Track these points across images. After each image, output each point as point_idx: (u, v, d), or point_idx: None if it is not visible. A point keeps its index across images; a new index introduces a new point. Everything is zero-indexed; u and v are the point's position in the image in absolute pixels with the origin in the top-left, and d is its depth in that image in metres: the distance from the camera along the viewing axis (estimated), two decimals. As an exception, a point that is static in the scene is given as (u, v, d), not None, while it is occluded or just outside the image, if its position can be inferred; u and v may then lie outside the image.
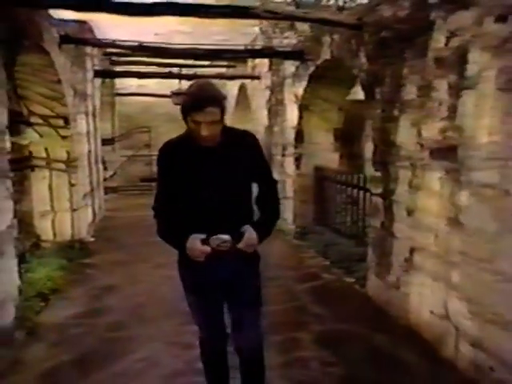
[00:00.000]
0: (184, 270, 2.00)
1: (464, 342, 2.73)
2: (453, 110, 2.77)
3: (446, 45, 2.80)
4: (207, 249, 1.78)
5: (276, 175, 6.63)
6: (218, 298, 2.02)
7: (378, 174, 3.78)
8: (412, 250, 3.31)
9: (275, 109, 6.87)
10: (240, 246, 1.82)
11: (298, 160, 6.17)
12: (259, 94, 7.74)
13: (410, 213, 3.31)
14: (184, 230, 1.84)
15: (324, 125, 6.09)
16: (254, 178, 1.98)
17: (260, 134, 7.79)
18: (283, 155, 6.56)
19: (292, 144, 6.18)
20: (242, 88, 9.18)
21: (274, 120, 6.94)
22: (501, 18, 2.35)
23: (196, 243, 1.79)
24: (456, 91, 2.73)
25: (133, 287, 4.26)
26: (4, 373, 2.68)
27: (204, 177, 1.85)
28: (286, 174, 6.44)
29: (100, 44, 5.38)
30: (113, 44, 5.19)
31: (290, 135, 6.21)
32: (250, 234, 1.84)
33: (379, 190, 3.77)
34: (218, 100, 1.76)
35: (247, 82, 8.54)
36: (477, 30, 2.53)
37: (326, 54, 4.81)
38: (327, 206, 6.05)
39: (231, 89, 10.26)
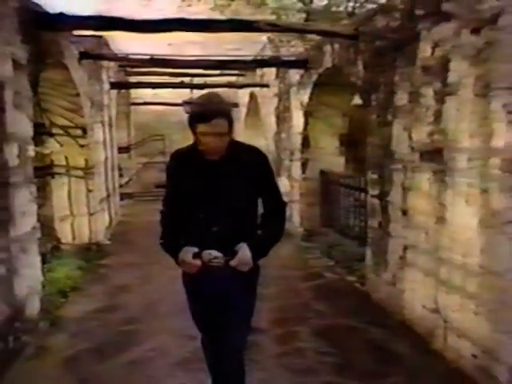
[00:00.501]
0: (186, 280, 1.99)
1: (452, 334, 2.89)
2: (438, 115, 2.96)
3: (432, 54, 3.00)
4: (197, 263, 1.78)
5: (284, 179, 6.96)
6: (215, 308, 1.95)
7: (375, 176, 3.97)
8: (405, 248, 3.48)
9: (283, 115, 7.11)
10: (232, 264, 1.80)
11: (304, 165, 6.38)
12: (268, 101, 8.00)
13: (403, 213, 3.49)
14: (181, 241, 1.86)
15: (329, 130, 6.30)
16: (260, 196, 1.95)
17: (269, 140, 8.05)
18: (291, 160, 6.78)
19: (299, 149, 6.40)
20: (253, 95, 9.44)
21: (282, 126, 7.17)
22: (475, 31, 2.54)
23: (187, 256, 1.80)
24: (440, 97, 2.92)
25: (145, 286, 4.54)
26: (31, 357, 2.98)
27: (206, 190, 1.84)
28: (293, 178, 6.66)
29: (115, 58, 5.73)
30: (126, 58, 5.52)
31: (297, 141, 6.43)
32: (243, 253, 1.81)
33: (376, 192, 3.96)
34: (225, 112, 1.77)
35: (257, 89, 8.80)
36: (456, 41, 2.73)
37: (327, 63, 5.03)
38: (333, 208, 6.23)
39: (242, 96, 10.57)
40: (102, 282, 4.70)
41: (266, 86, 7.84)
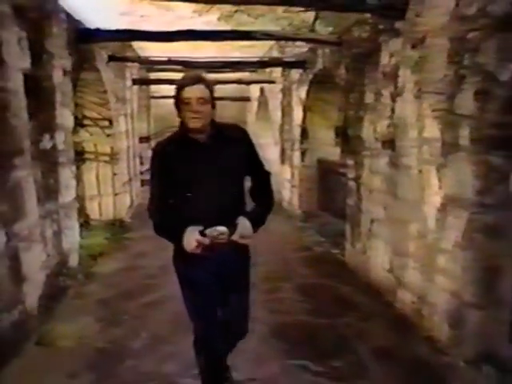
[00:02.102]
0: (179, 265, 2.03)
1: (400, 288, 3.65)
2: (392, 112, 3.69)
3: (388, 62, 3.72)
4: (205, 240, 1.80)
5: (287, 167, 7.72)
6: (211, 294, 2.01)
7: (352, 162, 4.71)
8: (372, 222, 4.23)
9: (286, 110, 7.85)
10: (234, 237, 1.84)
11: (303, 154, 7.13)
12: (274, 96, 8.75)
13: (370, 191, 4.24)
14: (180, 223, 1.87)
15: (326, 123, 7.01)
16: (246, 171, 2.03)
17: (275, 131, 8.81)
18: (292, 150, 7.53)
19: (298, 140, 7.15)
20: (263, 90, 10.20)
21: (285, 119, 7.92)
22: (413, 46, 3.26)
23: (194, 235, 1.81)
24: (393, 97, 3.65)
25: (160, 253, 5.28)
26: (73, 297, 3.89)
27: (196, 171, 1.89)
28: (294, 166, 7.42)
29: (137, 60, 6.60)
30: (147, 60, 6.37)
31: (297, 132, 7.17)
32: (243, 224, 1.87)
33: (353, 175, 4.71)
34: (206, 82, 1.87)
35: (265, 85, 9.54)
36: (403, 53, 3.45)
37: (319, 64, 5.76)
38: (329, 193, 6.97)
39: (254, 91, 11.33)
40: (125, 249, 5.61)
41: (273, 82, 8.57)
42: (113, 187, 6.66)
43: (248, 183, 2.10)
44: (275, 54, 8.23)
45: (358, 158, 4.49)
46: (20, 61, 2.79)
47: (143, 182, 10.17)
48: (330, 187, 6.95)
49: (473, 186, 2.69)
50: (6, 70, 2.57)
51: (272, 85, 8.81)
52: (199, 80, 1.85)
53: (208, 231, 1.81)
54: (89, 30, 4.17)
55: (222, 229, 1.82)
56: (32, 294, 3.04)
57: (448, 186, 2.94)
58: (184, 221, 1.87)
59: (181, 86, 1.85)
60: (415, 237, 3.38)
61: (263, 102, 10.50)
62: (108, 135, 6.42)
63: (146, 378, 2.68)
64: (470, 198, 2.72)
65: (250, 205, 2.09)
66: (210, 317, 2.06)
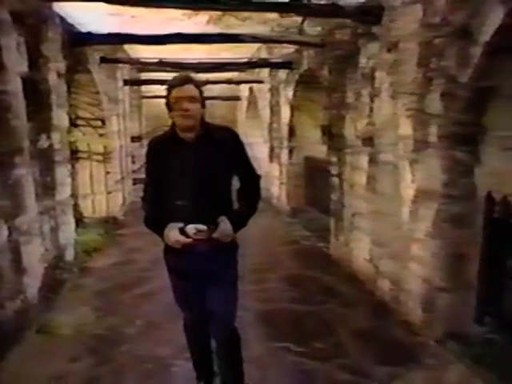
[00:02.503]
0: (168, 257, 2.11)
1: (379, 276, 3.89)
2: (371, 111, 3.93)
3: (366, 64, 3.96)
4: (182, 237, 1.88)
5: (275, 164, 7.94)
6: (197, 284, 2.08)
7: (335, 159, 4.95)
8: (353, 215, 4.47)
9: (274, 109, 8.07)
10: (215, 235, 1.91)
11: (291, 151, 7.35)
12: (263, 95, 8.96)
13: (351, 187, 4.48)
14: (165, 219, 1.94)
15: (312, 122, 7.23)
16: (235, 172, 2.08)
17: (264, 130, 9.02)
18: (280, 148, 7.75)
19: (286, 138, 7.37)
20: (252, 90, 10.40)
21: (274, 118, 8.14)
22: (389, 50, 3.49)
23: (173, 231, 1.89)
24: (372, 97, 3.88)
25: (152, 248, 5.43)
26: (70, 289, 4.08)
27: (181, 169, 1.95)
28: (282, 163, 7.65)
29: (129, 61, 6.76)
30: (138, 62, 6.54)
31: (285, 131, 7.39)
32: (224, 224, 1.93)
33: (336, 172, 4.94)
34: (196, 82, 1.94)
35: (255, 84, 9.74)
36: (379, 56, 3.69)
37: (305, 65, 5.98)
38: (316, 189, 7.20)
39: (243, 90, 11.53)
40: (119, 245, 5.79)
41: (261, 81, 8.78)
42: (106, 185, 6.83)
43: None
44: (264, 54, 8.44)
45: (341, 155, 4.73)
46: (18, 65, 2.97)
47: (135, 181, 10.34)
48: (316, 184, 7.18)
49: (440, 179, 2.94)
50: (5, 74, 2.76)
51: (261, 84, 9.02)
52: (189, 80, 1.92)
53: (187, 228, 1.88)
54: (82, 33, 4.34)
55: (201, 227, 1.88)
56: (32, 285, 3.23)
57: (420, 180, 3.19)
58: (168, 216, 1.94)
59: (171, 86, 1.93)
60: (392, 228, 3.62)
61: (253, 101, 10.70)
62: (101, 135, 6.58)
63: (141, 361, 2.88)
64: (439, 191, 2.97)
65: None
66: (194, 307, 2.17)
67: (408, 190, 3.33)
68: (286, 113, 7.28)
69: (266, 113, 8.84)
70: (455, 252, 2.99)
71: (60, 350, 3.01)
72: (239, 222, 2.02)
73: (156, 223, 2.01)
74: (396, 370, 2.75)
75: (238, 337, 2.23)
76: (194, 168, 1.95)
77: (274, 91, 7.93)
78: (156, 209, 2.02)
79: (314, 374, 2.72)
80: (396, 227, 3.55)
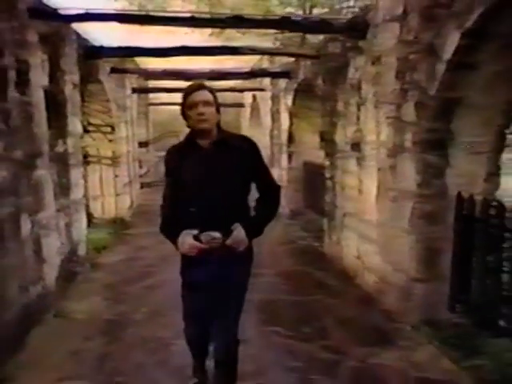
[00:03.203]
0: (184, 267, 2.13)
1: (366, 271, 4.22)
2: (358, 119, 4.28)
3: (354, 76, 4.32)
4: (198, 244, 1.90)
5: (276, 169, 8.30)
6: (209, 296, 2.08)
7: (328, 163, 5.30)
8: (344, 215, 4.81)
9: (275, 115, 8.44)
10: (228, 242, 1.92)
11: (290, 156, 7.71)
12: (265, 103, 9.34)
13: (342, 188, 4.82)
14: (181, 226, 1.96)
15: (311, 128, 7.58)
16: (252, 181, 2.09)
17: (266, 136, 9.39)
18: (280, 153, 8.12)
19: (285, 144, 7.73)
20: (255, 97, 10.80)
21: (274, 124, 8.51)
22: (373, 63, 3.85)
23: (188, 239, 1.92)
24: (359, 106, 4.24)
25: (158, 246, 5.90)
26: (82, 282, 4.46)
27: (197, 176, 1.98)
28: (282, 168, 8.00)
29: (136, 72, 7.19)
30: (145, 72, 6.97)
31: (284, 137, 7.76)
32: (238, 232, 1.94)
33: (329, 175, 5.29)
34: (210, 88, 2.03)
35: (257, 92, 10.14)
36: (365, 68, 4.04)
37: (302, 75, 6.35)
38: (313, 192, 7.53)
39: (247, 97, 11.95)
40: (126, 243, 6.17)
41: (263, 89, 9.17)
42: (114, 188, 7.23)
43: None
44: (266, 63, 8.83)
45: (333, 160, 5.08)
46: (41, 79, 3.37)
47: (142, 185, 10.76)
48: (314, 187, 7.51)
49: (415, 180, 3.28)
50: (30, 88, 3.15)
51: (263, 92, 9.41)
52: (203, 86, 2.02)
53: (202, 236, 1.90)
54: (95, 47, 4.75)
55: (215, 234, 1.90)
56: (50, 274, 3.61)
57: (398, 181, 3.53)
58: (184, 223, 1.96)
59: (187, 93, 2.00)
60: (375, 226, 3.96)
61: (256, 108, 11.10)
62: (110, 140, 7.00)
63: (146, 341, 3.23)
64: (414, 191, 3.31)
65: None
66: (201, 320, 2.18)
67: (388, 191, 3.67)
68: (285, 119, 7.64)
69: (267, 119, 9.21)
70: (429, 246, 3.32)
71: (75, 331, 3.38)
72: (254, 230, 2.02)
73: (171, 230, 2.02)
74: (373, 350, 3.07)
75: (237, 343, 2.24)
76: (210, 175, 1.98)
77: (275, 99, 8.30)
78: (172, 216, 2.06)
79: (298, 353, 3.05)
80: (379, 225, 3.88)
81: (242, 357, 2.66)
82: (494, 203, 2.95)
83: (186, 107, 2.00)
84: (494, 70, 2.85)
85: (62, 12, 3.29)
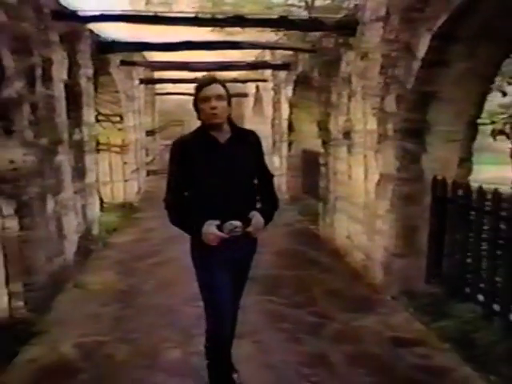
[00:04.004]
0: (197, 252, 2.16)
1: (354, 249, 4.62)
2: (348, 109, 4.64)
3: (345, 70, 4.67)
4: (223, 234, 1.98)
5: (276, 157, 8.68)
6: (226, 278, 2.15)
7: (323, 150, 5.67)
8: (336, 199, 5.20)
9: (276, 105, 8.79)
10: (249, 229, 2.04)
11: (289, 145, 8.08)
12: (267, 93, 9.68)
13: (334, 174, 5.20)
14: (198, 216, 2.03)
15: (309, 118, 7.92)
16: (256, 172, 2.21)
17: (267, 125, 9.74)
18: (280, 141, 8.49)
19: (285, 133, 8.10)
20: (258, 88, 11.12)
21: (275, 114, 8.87)
22: (361, 58, 4.20)
23: (212, 229, 1.98)
24: (349, 98, 4.60)
25: (165, 229, 6.24)
26: (95, 258, 4.91)
27: (214, 168, 2.05)
28: (282, 155, 8.38)
29: (144, 64, 7.56)
30: (152, 64, 7.34)
31: (284, 126, 8.12)
32: (257, 219, 2.07)
33: (324, 161, 5.67)
34: (222, 82, 2.08)
35: (260, 83, 10.46)
36: (354, 63, 4.39)
37: (300, 68, 6.69)
38: (311, 179, 7.91)
39: (250, 88, 12.26)
40: (135, 226, 6.61)
41: (265, 80, 9.50)
42: (123, 174, 7.65)
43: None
44: (267, 55, 9.14)
45: (327, 147, 5.45)
46: (61, 74, 3.76)
47: (149, 172, 11.18)
48: (312, 174, 7.85)
49: (395, 165, 3.66)
50: (53, 82, 3.54)
51: (265, 83, 9.74)
52: (215, 80, 2.06)
53: (224, 225, 1.99)
54: (106, 42, 5.13)
55: (237, 223, 2.00)
56: (69, 249, 4.05)
57: (381, 166, 3.91)
58: (200, 214, 2.02)
59: (200, 86, 2.05)
60: (362, 207, 4.35)
61: (259, 98, 11.42)
62: (119, 129, 7.40)
63: (155, 307, 3.68)
64: (394, 174, 3.69)
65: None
66: (225, 310, 2.19)
67: (373, 175, 4.05)
68: (285, 109, 8.00)
69: (269, 109, 9.56)
70: (408, 225, 3.71)
71: (93, 298, 3.83)
72: (268, 217, 2.17)
73: (186, 221, 2.09)
74: (355, 315, 3.49)
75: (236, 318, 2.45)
76: (228, 167, 2.06)
77: (276, 90, 8.64)
78: (185, 207, 2.08)
79: (289, 317, 3.47)
80: (365, 206, 4.28)
81: (241, 320, 3.07)
82: (463, 185, 3.33)
83: (199, 100, 2.05)
84: (463, 67, 3.20)
85: (80, 14, 3.66)
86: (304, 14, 10.66)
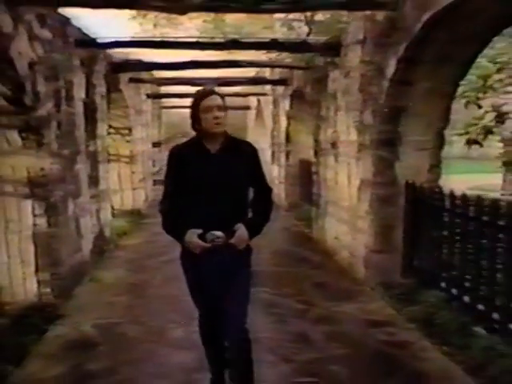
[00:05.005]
0: (185, 260, 2.23)
1: (341, 248, 5.10)
2: (335, 122, 5.16)
3: (332, 86, 5.20)
4: (202, 243, 2.00)
5: (275, 166, 9.20)
6: (213, 284, 2.16)
7: (315, 159, 6.19)
8: (326, 203, 5.69)
9: (275, 118, 9.34)
10: (232, 241, 2.03)
11: (287, 155, 8.61)
12: (267, 106, 10.25)
13: (324, 181, 5.71)
14: (184, 225, 2.05)
15: (305, 130, 8.44)
16: (251, 184, 2.20)
17: (268, 137, 10.29)
18: (279, 152, 9.02)
19: (283, 143, 8.63)
20: (259, 101, 11.71)
21: (275, 126, 9.42)
22: (345, 76, 4.72)
23: (193, 237, 2.01)
24: (335, 111, 5.12)
25: None
26: (108, 257, 5.43)
27: (202, 177, 2.06)
28: (281, 165, 8.91)
29: (151, 81, 8.18)
30: (158, 80, 7.95)
31: (283, 137, 8.66)
32: (241, 231, 2.06)
33: (315, 170, 6.18)
34: (219, 93, 2.13)
35: (261, 96, 11.04)
36: (339, 80, 4.93)
37: (295, 83, 7.24)
38: (308, 186, 8.39)
39: (252, 101, 12.87)
40: (143, 230, 7.14)
41: (265, 94, 10.07)
42: (131, 183, 8.22)
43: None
44: (267, 71, 9.72)
45: (318, 156, 5.97)
46: (80, 94, 4.33)
47: (155, 182, 11.75)
48: (308, 182, 8.33)
49: (371, 171, 4.15)
50: (73, 101, 4.11)
51: (266, 96, 10.31)
52: (214, 92, 2.12)
53: (207, 235, 2.01)
54: (119, 63, 5.72)
55: (219, 233, 2.01)
56: (86, 247, 4.57)
57: (361, 173, 4.41)
58: (187, 222, 2.05)
59: (200, 97, 2.08)
60: (347, 210, 4.84)
61: (260, 110, 12.01)
62: (127, 141, 7.98)
63: (162, 297, 4.17)
64: (371, 179, 4.18)
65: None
66: (210, 308, 2.29)
67: (355, 181, 4.55)
68: (283, 122, 8.54)
69: (269, 121, 10.12)
70: (385, 224, 4.19)
71: (107, 290, 4.34)
72: (254, 230, 2.15)
73: (175, 228, 2.14)
74: (337, 303, 3.96)
75: (248, 339, 2.22)
76: (219, 177, 2.07)
77: (275, 103, 9.20)
78: (175, 214, 2.12)
79: (279, 305, 3.96)
80: (350, 209, 4.77)
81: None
82: (436, 189, 3.81)
83: (201, 111, 2.06)
84: (427, 86, 3.72)
85: (99, 41, 4.25)
86: (304, 29, 11.26)
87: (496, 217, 3.01)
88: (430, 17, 3.03)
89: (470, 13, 2.90)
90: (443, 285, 3.60)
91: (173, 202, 2.14)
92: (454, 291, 3.43)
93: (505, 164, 7.49)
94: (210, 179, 2.07)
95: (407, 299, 3.79)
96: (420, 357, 2.97)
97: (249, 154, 2.20)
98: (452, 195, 3.54)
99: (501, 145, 7.63)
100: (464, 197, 3.41)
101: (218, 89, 2.24)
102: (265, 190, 2.26)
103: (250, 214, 2.22)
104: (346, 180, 4.80)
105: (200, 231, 2.02)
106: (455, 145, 7.00)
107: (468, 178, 11.77)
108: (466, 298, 3.29)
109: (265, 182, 2.28)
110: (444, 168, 4.34)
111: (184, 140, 2.24)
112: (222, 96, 2.14)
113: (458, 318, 3.16)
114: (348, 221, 4.84)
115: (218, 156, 2.11)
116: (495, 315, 2.98)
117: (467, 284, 3.32)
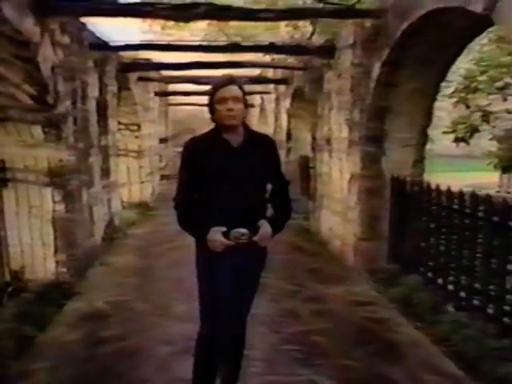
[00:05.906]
0: (202, 257, 2.10)
1: (334, 238, 5.46)
2: (329, 120, 5.51)
3: (327, 86, 5.55)
4: (228, 242, 1.92)
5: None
6: (228, 283, 2.06)
7: (312, 155, 6.54)
8: (321, 196, 6.05)
9: (277, 116, 9.70)
10: (256, 238, 1.98)
11: (288, 151, 8.97)
12: (270, 104, 10.60)
13: (320, 175, 6.07)
14: (205, 221, 1.97)
15: (305, 127, 8.78)
16: (270, 178, 2.14)
17: (269, 134, 10.65)
18: (280, 148, 9.35)
19: (284, 140, 8.99)
20: (263, 99, 12.06)
21: (276, 123, 9.77)
22: (338, 77, 5.08)
23: (217, 236, 1.93)
24: (329, 110, 5.47)
25: (176, 224, 7.32)
26: (117, 245, 5.83)
27: (225, 172, 1.98)
28: (282, 161, 9.25)
29: (158, 79, 8.57)
30: (165, 79, 8.35)
31: (283, 134, 9.01)
32: (265, 228, 2.02)
33: (313, 165, 6.53)
34: (239, 83, 2.01)
35: (264, 94, 11.38)
36: (333, 81, 5.27)
37: (296, 83, 7.59)
38: (307, 181, 8.74)
39: (256, 98, 13.22)
40: (150, 221, 7.56)
41: (268, 93, 10.42)
42: (139, 177, 8.63)
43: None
44: (270, 70, 10.06)
45: (315, 152, 6.32)
46: (94, 92, 4.73)
47: (162, 177, 12.17)
48: (307, 177, 8.67)
49: (360, 165, 4.51)
50: (88, 99, 4.52)
51: (269, 95, 10.66)
52: (232, 81, 2.00)
53: (231, 233, 1.94)
54: (128, 63, 6.12)
55: (244, 231, 1.95)
56: (98, 233, 4.99)
57: (351, 167, 4.76)
58: (208, 218, 1.98)
59: (216, 87, 1.99)
60: (339, 202, 5.20)
61: (263, 108, 12.36)
62: (136, 137, 8.39)
63: (168, 279, 4.57)
64: (359, 173, 4.54)
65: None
66: (225, 315, 2.10)
67: (346, 174, 4.91)
68: (284, 119, 8.90)
69: (271, 119, 10.47)
70: (372, 214, 4.55)
71: (117, 272, 4.75)
72: (278, 226, 2.12)
73: (194, 225, 2.06)
74: (326, 286, 4.33)
75: (244, 332, 2.30)
76: (240, 171, 2.00)
77: (278, 101, 9.55)
78: (193, 210, 2.04)
79: (274, 287, 4.31)
80: (341, 201, 5.12)
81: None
82: (416, 182, 4.15)
83: (215, 102, 1.99)
84: (410, 87, 4.06)
85: (111, 44, 4.64)
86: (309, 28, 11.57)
87: (463, 207, 3.37)
88: (408, 25, 3.37)
89: (442, 23, 3.24)
90: (422, 269, 3.95)
91: (189, 197, 2.06)
92: (430, 275, 3.78)
93: (500, 161, 7.77)
94: (233, 174, 2.00)
95: (390, 283, 4.15)
96: (395, 330, 3.34)
97: (270, 147, 2.15)
98: (429, 188, 3.88)
99: (489, 143, 7.88)
100: (438, 189, 3.76)
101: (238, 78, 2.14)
102: (284, 184, 2.23)
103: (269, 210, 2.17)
104: (339, 174, 5.16)
105: (224, 229, 1.96)
106: (437, 142, 7.28)
107: (460, 176, 11.91)
108: (440, 281, 3.65)
109: (282, 175, 2.24)
110: (429, 165, 4.70)
111: (190, 136, 2.16)
112: (241, 86, 2.03)
113: (432, 298, 3.51)
114: (340, 212, 5.20)
115: (241, 150, 2.03)
116: (462, 293, 3.33)
117: (440, 268, 3.67)
